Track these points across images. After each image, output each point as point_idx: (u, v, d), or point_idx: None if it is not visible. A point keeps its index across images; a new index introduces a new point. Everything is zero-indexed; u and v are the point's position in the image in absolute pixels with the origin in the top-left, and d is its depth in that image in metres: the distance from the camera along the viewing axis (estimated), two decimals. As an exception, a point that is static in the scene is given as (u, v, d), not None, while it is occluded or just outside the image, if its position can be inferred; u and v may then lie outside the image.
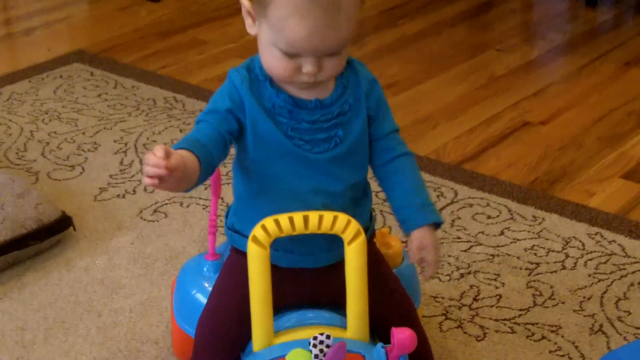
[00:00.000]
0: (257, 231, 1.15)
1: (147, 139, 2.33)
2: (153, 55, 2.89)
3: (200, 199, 2.05)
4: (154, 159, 1.08)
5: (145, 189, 2.10)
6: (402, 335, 1.12)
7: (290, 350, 1.13)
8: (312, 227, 1.15)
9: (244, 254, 1.20)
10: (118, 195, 2.09)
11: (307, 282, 1.27)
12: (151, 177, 1.08)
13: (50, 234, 1.87)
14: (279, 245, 1.21)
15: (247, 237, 1.16)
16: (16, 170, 2.18)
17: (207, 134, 1.20)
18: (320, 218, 1.15)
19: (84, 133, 2.37)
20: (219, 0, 3.33)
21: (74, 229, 1.93)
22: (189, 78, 2.71)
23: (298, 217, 1.15)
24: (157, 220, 1.99)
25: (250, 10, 1.20)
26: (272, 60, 1.19)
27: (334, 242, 1.22)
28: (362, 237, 1.16)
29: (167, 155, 1.09)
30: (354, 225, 1.15)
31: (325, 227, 1.15)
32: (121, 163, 2.22)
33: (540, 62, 2.85)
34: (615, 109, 2.50)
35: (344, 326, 1.22)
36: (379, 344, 1.16)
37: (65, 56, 2.85)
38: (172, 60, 2.84)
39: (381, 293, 1.27)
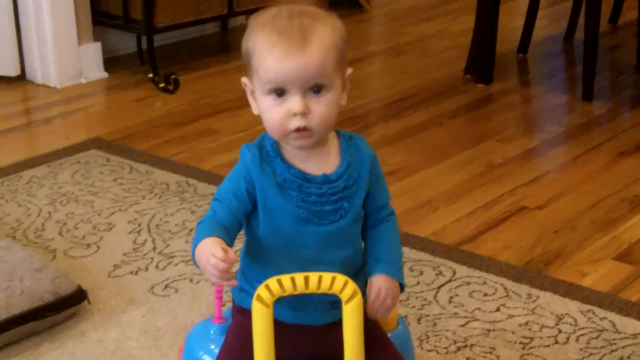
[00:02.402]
0: (261, 290, 1.24)
1: (160, 220, 2.44)
2: (167, 143, 3.02)
3: (209, 276, 2.14)
4: (216, 261, 1.23)
5: (157, 267, 2.20)
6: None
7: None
8: (312, 287, 1.25)
9: (247, 314, 1.29)
10: (131, 272, 2.18)
11: (308, 338, 1.36)
12: (220, 274, 1.23)
13: (66, 307, 1.96)
14: (284, 300, 1.29)
15: (251, 295, 1.26)
16: (35, 249, 2.28)
17: (226, 218, 1.32)
18: (320, 279, 1.25)
19: (99, 214, 2.48)
20: (229, 93, 3.48)
21: (89, 302, 2.02)
22: (201, 164, 2.83)
23: (299, 277, 1.25)
24: (168, 296, 2.08)
25: (247, 82, 1.33)
26: (266, 111, 1.30)
27: (336, 302, 1.30)
28: (359, 297, 1.25)
29: (226, 252, 1.23)
30: (351, 285, 1.24)
31: (324, 287, 1.25)
32: (134, 242, 2.32)
33: (537, 152, 2.97)
34: (609, 195, 2.60)
35: (342, 383, 1.30)
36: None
37: (83, 143, 2.98)
38: (185, 148, 2.97)
39: (373, 351, 1.34)
